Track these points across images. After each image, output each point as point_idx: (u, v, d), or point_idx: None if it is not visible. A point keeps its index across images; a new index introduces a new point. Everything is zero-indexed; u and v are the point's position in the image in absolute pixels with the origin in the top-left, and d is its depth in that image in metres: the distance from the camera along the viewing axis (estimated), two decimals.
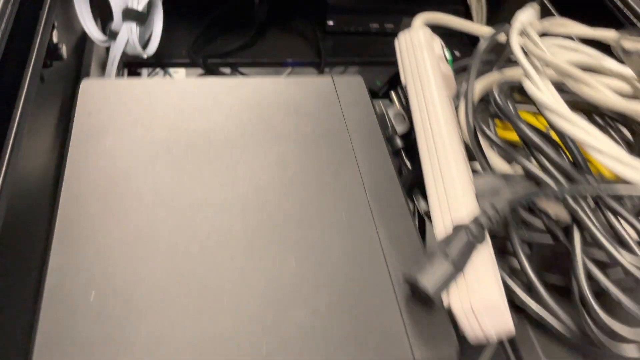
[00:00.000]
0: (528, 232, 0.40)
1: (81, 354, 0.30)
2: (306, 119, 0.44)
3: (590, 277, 0.37)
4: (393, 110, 0.50)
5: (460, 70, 0.53)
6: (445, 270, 0.33)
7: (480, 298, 0.33)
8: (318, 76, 0.45)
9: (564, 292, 0.40)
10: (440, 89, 0.44)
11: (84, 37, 0.64)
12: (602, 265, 0.38)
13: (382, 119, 0.50)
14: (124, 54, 0.60)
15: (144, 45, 0.62)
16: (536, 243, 0.40)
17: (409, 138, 0.50)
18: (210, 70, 0.67)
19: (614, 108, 0.39)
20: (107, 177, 0.38)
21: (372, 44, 0.75)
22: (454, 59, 0.56)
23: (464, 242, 0.34)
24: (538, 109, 0.39)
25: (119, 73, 0.73)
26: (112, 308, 0.32)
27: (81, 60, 0.70)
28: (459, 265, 0.33)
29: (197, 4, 0.74)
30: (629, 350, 0.35)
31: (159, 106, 0.43)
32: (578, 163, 0.39)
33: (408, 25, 0.74)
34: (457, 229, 0.35)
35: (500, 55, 0.49)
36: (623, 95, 0.40)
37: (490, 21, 0.80)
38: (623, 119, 0.43)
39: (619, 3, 0.52)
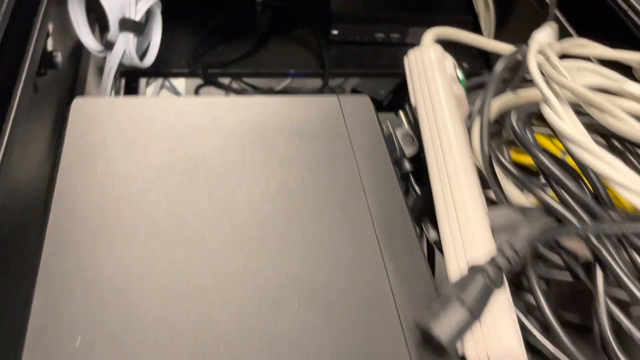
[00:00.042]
0: (545, 268, 0.37)
1: None
2: (310, 142, 0.41)
3: (611, 317, 0.34)
4: (401, 131, 0.47)
5: (472, 89, 0.50)
6: (460, 318, 0.30)
7: (497, 347, 0.31)
8: (323, 96, 0.42)
9: (580, 330, 0.37)
10: (453, 113, 0.41)
11: (80, 46, 0.62)
12: (622, 304, 0.35)
13: (389, 139, 0.47)
14: (121, 64, 0.57)
15: (142, 56, 0.59)
16: (554, 280, 0.37)
17: (418, 160, 0.47)
18: (210, 81, 0.64)
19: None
20: (97, 208, 0.35)
21: (377, 54, 0.72)
22: (464, 72, 0.53)
23: (480, 286, 0.31)
24: (559, 139, 0.37)
25: (116, 83, 0.70)
26: (100, 355, 0.29)
27: (77, 69, 0.67)
28: (475, 312, 0.31)
29: (197, 11, 0.71)
30: None
31: (155, 128, 0.40)
32: (600, 197, 0.36)
33: (414, 35, 0.72)
34: (473, 270, 0.32)
35: (515, 74, 0.46)
36: None
37: (498, 30, 0.78)
38: None
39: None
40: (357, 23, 0.71)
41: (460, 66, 0.68)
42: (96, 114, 0.40)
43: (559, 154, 0.46)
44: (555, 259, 0.37)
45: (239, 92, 0.69)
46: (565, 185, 0.35)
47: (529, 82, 0.47)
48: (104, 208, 0.35)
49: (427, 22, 0.70)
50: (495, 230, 0.36)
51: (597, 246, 0.34)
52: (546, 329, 0.35)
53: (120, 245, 0.34)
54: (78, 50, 0.65)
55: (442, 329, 0.30)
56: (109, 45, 0.55)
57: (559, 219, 0.35)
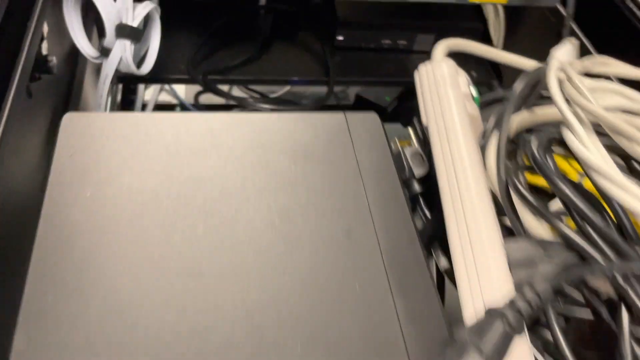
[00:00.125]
0: (565, 304, 0.35)
1: None
2: (315, 163, 0.38)
3: (636, 359, 0.32)
4: (410, 150, 0.44)
5: (485, 105, 0.47)
6: None
7: None
8: (329, 112, 0.39)
9: None
10: (467, 135, 0.38)
11: (77, 49, 0.59)
12: None
13: (397, 157, 0.44)
14: (118, 70, 0.54)
15: (140, 62, 0.56)
16: (573, 317, 0.35)
17: (428, 180, 0.44)
18: (210, 88, 0.61)
19: None
20: (85, 237, 0.32)
21: (383, 61, 0.69)
22: (477, 87, 0.50)
23: (499, 333, 0.28)
24: (582, 167, 0.34)
25: (113, 89, 0.67)
26: None
27: (74, 74, 0.64)
28: None
29: (197, 15, 0.67)
30: None
31: (150, 147, 0.37)
32: (625, 230, 0.33)
33: (422, 42, 0.69)
34: (491, 315, 0.29)
35: (532, 91, 0.43)
36: None
37: (508, 38, 0.75)
38: None
39: None
40: (363, 29, 0.67)
41: (470, 75, 0.65)
42: (87, 131, 0.37)
43: (575, 176, 0.44)
44: (576, 294, 0.34)
45: (239, 99, 0.66)
46: (589, 219, 0.32)
47: (545, 98, 0.44)
48: (92, 237, 0.32)
49: (435, 29, 0.68)
50: (512, 265, 0.33)
51: (624, 287, 0.31)
52: None
53: (109, 279, 0.31)
54: (75, 54, 0.62)
55: None
56: (105, 52, 0.52)
57: (582, 255, 0.32)
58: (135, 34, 0.51)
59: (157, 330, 0.29)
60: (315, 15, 0.69)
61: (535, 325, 0.35)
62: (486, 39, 0.71)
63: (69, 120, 0.38)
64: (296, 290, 0.32)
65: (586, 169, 0.33)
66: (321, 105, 0.64)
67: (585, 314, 0.34)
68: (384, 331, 0.31)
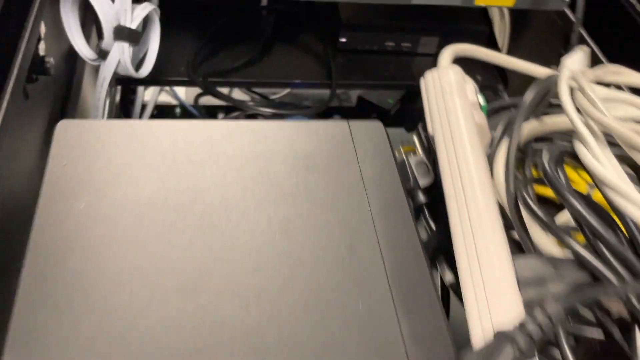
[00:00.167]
0: (575, 323, 0.33)
1: None
2: (317, 174, 0.37)
3: None
4: (415, 159, 0.42)
5: (492, 112, 0.46)
6: None
7: None
8: (332, 121, 0.38)
9: None
10: (475, 145, 0.36)
11: (75, 51, 0.57)
12: None
13: (402, 167, 0.43)
14: (116, 73, 0.53)
15: (139, 64, 0.55)
16: (584, 337, 0.33)
17: (433, 190, 0.43)
18: (209, 90, 0.60)
19: None
20: (78, 251, 0.31)
21: (387, 63, 0.67)
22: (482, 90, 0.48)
23: (509, 359, 0.27)
24: (595, 183, 0.32)
25: (111, 91, 0.66)
26: None
27: (72, 75, 0.63)
28: None
29: (198, 16, 0.66)
30: None
31: (146, 156, 0.36)
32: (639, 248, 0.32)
33: (426, 45, 0.67)
34: (501, 338, 0.28)
35: (541, 100, 0.41)
36: None
37: (513, 39, 0.73)
38: None
39: None
40: (367, 31, 0.66)
41: (475, 79, 0.64)
42: (82, 140, 0.36)
43: (585, 187, 0.42)
44: (587, 313, 0.33)
45: (239, 102, 0.64)
46: (602, 236, 0.30)
47: (554, 106, 0.42)
48: (86, 252, 0.31)
49: (439, 32, 0.66)
50: (521, 284, 0.32)
51: (639, 308, 0.29)
52: None
53: (103, 297, 0.29)
54: (73, 55, 0.60)
55: None
56: (102, 54, 0.51)
57: (594, 274, 0.31)
58: (133, 37, 0.49)
59: (153, 351, 0.28)
60: (318, 16, 0.68)
61: (544, 344, 0.34)
62: (491, 42, 0.69)
63: (63, 127, 0.36)
64: (297, 308, 0.30)
65: (599, 184, 0.32)
66: (324, 107, 0.62)
67: (597, 334, 0.33)
68: (388, 352, 0.29)
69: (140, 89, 0.74)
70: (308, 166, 0.37)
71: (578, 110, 0.36)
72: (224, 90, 0.71)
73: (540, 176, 0.43)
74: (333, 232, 0.34)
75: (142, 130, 0.37)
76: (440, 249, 0.39)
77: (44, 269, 0.30)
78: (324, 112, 0.62)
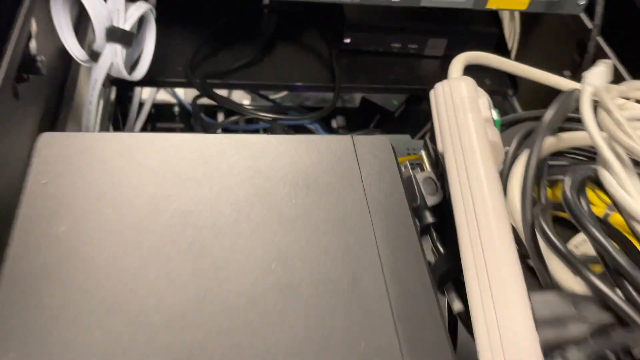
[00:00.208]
0: None
1: None
2: (318, 195, 0.34)
3: None
4: (422, 175, 0.39)
5: (505, 125, 0.43)
6: None
7: None
8: (334, 136, 0.35)
9: None
10: (489, 166, 0.33)
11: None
12: None
13: (408, 183, 0.39)
14: (109, 75, 0.50)
15: (133, 66, 0.51)
16: None
17: (441, 208, 0.39)
18: (207, 92, 0.57)
19: None
20: (55, 281, 0.28)
21: (392, 65, 0.64)
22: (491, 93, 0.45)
23: None
24: (620, 214, 0.29)
25: (106, 92, 0.63)
26: None
27: (66, 75, 0.60)
28: None
29: (196, 14, 0.62)
30: None
31: (134, 174, 0.33)
32: None
33: (434, 46, 0.64)
34: None
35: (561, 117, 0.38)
36: None
37: (523, 41, 0.70)
38: None
39: None
40: (372, 31, 0.62)
41: (483, 84, 0.60)
42: (65, 155, 0.33)
43: (603, 209, 0.39)
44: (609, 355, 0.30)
45: (236, 106, 0.61)
46: (630, 276, 0.27)
47: (571, 121, 0.39)
48: (65, 282, 0.28)
49: (448, 33, 0.63)
50: (539, 323, 0.29)
51: None
52: None
53: (83, 333, 0.26)
54: (68, 54, 0.57)
55: None
56: (94, 56, 0.48)
57: (620, 318, 0.28)
58: (126, 38, 0.46)
59: None
60: (321, 16, 0.64)
61: None
62: (501, 44, 0.66)
63: (45, 141, 0.33)
64: (294, 347, 0.27)
65: (626, 217, 0.29)
66: (327, 112, 0.59)
67: None
68: None
69: (137, 87, 0.71)
70: (308, 186, 0.34)
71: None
72: (224, 91, 0.67)
73: (555, 193, 0.40)
74: (334, 261, 0.31)
75: (130, 145, 0.34)
76: (449, 276, 0.36)
77: (18, 302, 0.27)
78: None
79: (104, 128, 0.64)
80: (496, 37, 0.63)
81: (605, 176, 0.29)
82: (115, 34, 0.46)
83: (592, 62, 0.52)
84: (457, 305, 0.35)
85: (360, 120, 0.77)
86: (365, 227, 0.33)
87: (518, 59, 0.68)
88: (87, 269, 0.28)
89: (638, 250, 0.30)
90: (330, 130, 0.75)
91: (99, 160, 0.33)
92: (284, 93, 0.77)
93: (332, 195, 0.34)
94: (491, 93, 0.53)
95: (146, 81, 0.55)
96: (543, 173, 0.38)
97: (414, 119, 0.75)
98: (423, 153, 0.42)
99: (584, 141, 0.38)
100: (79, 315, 0.27)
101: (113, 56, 0.46)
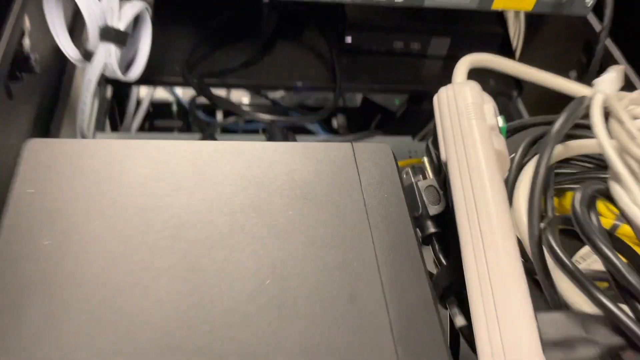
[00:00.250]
0: None
1: None
2: (316, 206, 0.32)
3: None
4: (424, 183, 0.38)
5: (510, 133, 0.41)
6: None
7: None
8: (333, 144, 0.34)
9: None
10: (494, 177, 0.31)
11: None
12: None
13: (410, 191, 0.38)
14: (103, 75, 0.48)
15: (128, 66, 0.50)
16: None
17: (443, 217, 0.38)
18: (204, 92, 0.55)
19: None
20: (39, 300, 0.26)
21: (394, 65, 0.62)
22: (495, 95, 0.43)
23: None
24: (634, 231, 0.27)
25: (102, 91, 0.61)
26: None
27: (62, 73, 0.58)
28: None
29: (194, 12, 0.61)
30: None
31: (123, 183, 0.31)
32: None
33: (437, 46, 0.62)
34: None
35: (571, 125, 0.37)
36: None
37: (527, 41, 0.68)
38: None
39: None
40: (374, 30, 0.61)
41: (487, 84, 0.58)
42: (52, 163, 0.31)
43: (612, 220, 0.37)
44: None
45: (234, 107, 0.59)
46: None
47: (578, 127, 0.38)
48: (48, 298, 0.26)
49: (451, 33, 0.61)
50: (546, 344, 0.27)
51: None
52: None
53: (67, 354, 0.25)
54: (63, 54, 0.56)
55: None
56: (87, 56, 0.46)
57: (630, 340, 0.26)
58: (121, 38, 0.45)
59: None
60: (322, 15, 0.62)
61: None
62: (505, 44, 0.64)
63: (32, 148, 0.31)
64: None
65: (639, 234, 0.27)
66: (327, 114, 0.57)
67: None
68: None
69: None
70: (306, 196, 0.32)
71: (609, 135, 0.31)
72: (222, 91, 0.66)
73: (562, 203, 0.38)
74: (332, 277, 0.29)
75: (120, 152, 0.32)
76: (451, 289, 0.35)
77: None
78: None
79: (100, 126, 0.62)
80: (500, 36, 0.62)
81: (617, 190, 0.28)
82: (109, 34, 0.44)
83: (600, 64, 0.50)
84: (460, 320, 0.34)
85: (361, 120, 0.75)
86: (365, 240, 0.31)
87: (523, 59, 0.66)
88: (72, 284, 0.27)
89: None
90: (330, 130, 0.74)
91: (88, 169, 0.31)
92: (284, 92, 0.75)
93: (331, 206, 0.32)
94: (495, 94, 0.51)
95: (143, 81, 0.54)
96: (550, 182, 0.36)
97: (416, 118, 0.73)
98: (425, 160, 0.40)
99: (593, 149, 0.37)
100: (63, 333, 0.25)
101: (107, 56, 0.45)
